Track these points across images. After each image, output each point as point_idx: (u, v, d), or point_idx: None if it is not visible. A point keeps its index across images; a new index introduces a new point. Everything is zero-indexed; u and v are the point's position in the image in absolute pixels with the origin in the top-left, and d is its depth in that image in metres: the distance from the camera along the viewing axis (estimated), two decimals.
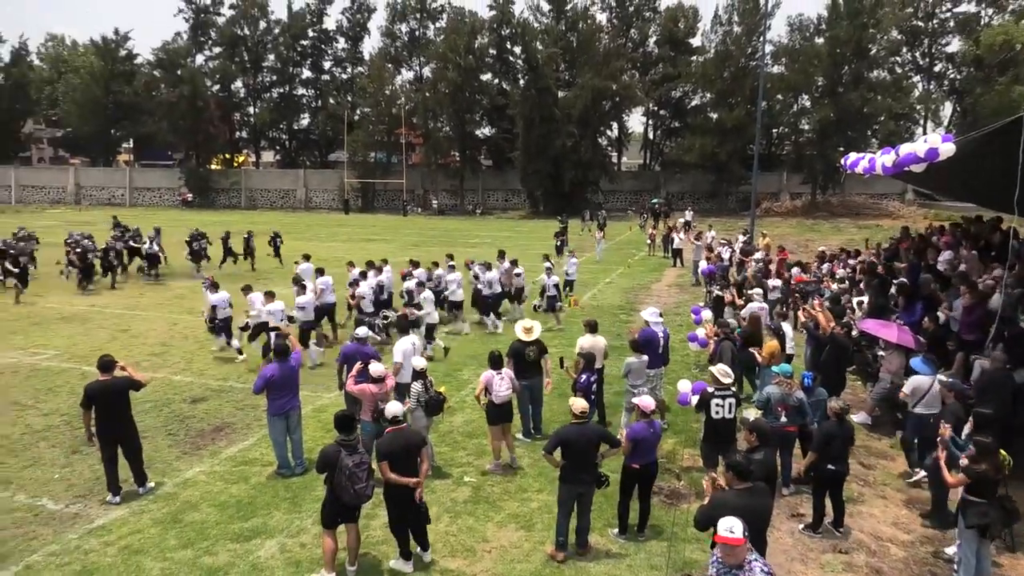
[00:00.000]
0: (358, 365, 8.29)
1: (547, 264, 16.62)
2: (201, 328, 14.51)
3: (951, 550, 6.67)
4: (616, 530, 7.04)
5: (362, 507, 6.43)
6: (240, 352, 13.09)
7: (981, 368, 8.89)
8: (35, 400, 10.85)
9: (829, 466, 7.01)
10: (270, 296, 12.74)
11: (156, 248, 22.39)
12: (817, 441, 7.14)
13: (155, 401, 10.77)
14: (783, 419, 7.74)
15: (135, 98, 60.01)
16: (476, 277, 15.85)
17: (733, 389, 7.65)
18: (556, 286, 16.13)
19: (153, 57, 59.10)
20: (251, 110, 64.95)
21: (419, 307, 12.78)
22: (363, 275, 14.64)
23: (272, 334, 11.70)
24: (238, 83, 63.23)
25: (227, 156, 63.31)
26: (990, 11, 48.37)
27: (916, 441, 8.48)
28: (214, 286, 13.50)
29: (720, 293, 14.23)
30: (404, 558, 6.45)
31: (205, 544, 6.83)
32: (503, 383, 8.35)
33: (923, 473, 8.16)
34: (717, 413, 7.40)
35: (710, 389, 7.57)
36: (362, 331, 9.33)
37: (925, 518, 7.51)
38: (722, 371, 7.61)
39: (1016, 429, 8.12)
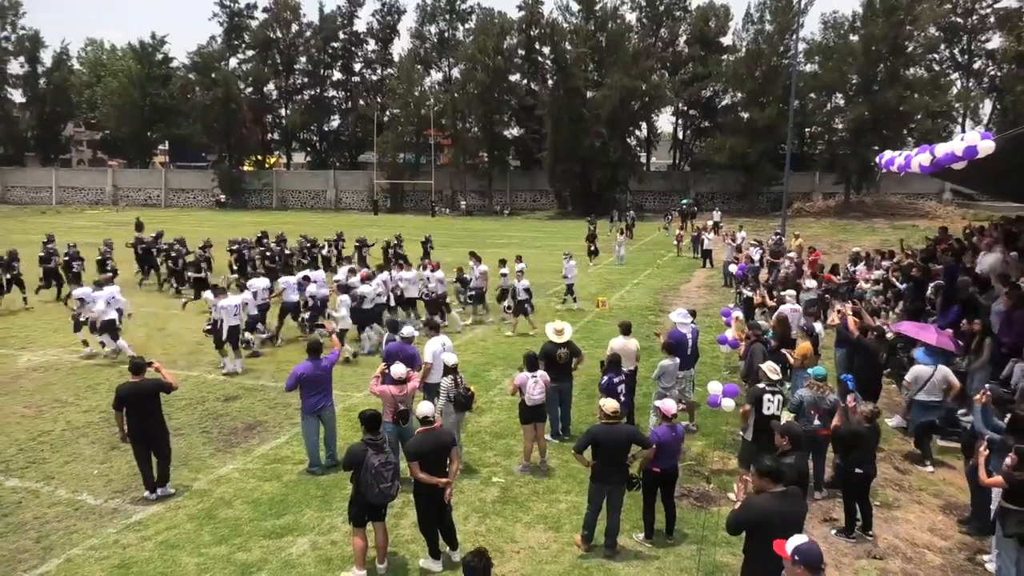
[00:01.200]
0: (381, 366, 8.37)
1: (520, 266, 16.05)
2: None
3: (988, 559, 6.52)
4: (642, 534, 7.00)
5: (390, 506, 6.50)
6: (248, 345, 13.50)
7: (1021, 371, 8.68)
8: (76, 397, 11.14)
9: (857, 469, 6.94)
10: (221, 293, 12.81)
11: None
12: (844, 442, 7.11)
13: (190, 399, 11.00)
14: (816, 422, 7.64)
15: (171, 101, 61.37)
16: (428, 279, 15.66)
17: (781, 386, 7.58)
18: (527, 290, 15.32)
19: (188, 60, 60.30)
20: (283, 112, 65.92)
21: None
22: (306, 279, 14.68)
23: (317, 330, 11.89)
24: (270, 85, 64.19)
25: (259, 157, 64.30)
26: None
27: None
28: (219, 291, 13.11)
29: (750, 294, 14.06)
30: (433, 557, 6.50)
31: (239, 540, 6.95)
32: (537, 386, 8.34)
33: (930, 468, 8.64)
34: (768, 409, 7.34)
35: (761, 385, 7.51)
36: (407, 330, 9.38)
37: (963, 524, 7.34)
38: (771, 368, 7.57)
39: None
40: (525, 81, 56.03)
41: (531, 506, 7.66)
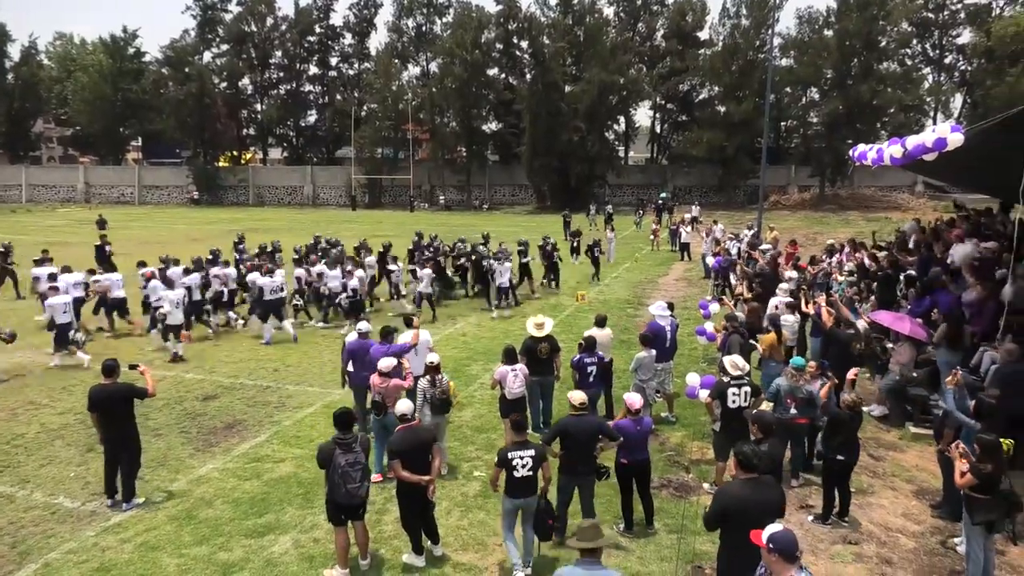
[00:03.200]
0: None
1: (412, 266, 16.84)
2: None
3: (958, 542, 6.70)
4: (622, 525, 7.08)
5: (371, 502, 6.51)
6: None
7: (991, 359, 8.89)
8: (50, 399, 10.97)
9: (839, 456, 7.08)
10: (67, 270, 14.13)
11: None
12: (826, 428, 7.27)
13: (167, 399, 10.88)
14: (793, 411, 7.80)
15: (143, 96, 60.44)
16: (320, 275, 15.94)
17: (748, 378, 7.70)
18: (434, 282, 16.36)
19: (161, 55, 59.57)
20: (258, 107, 65.22)
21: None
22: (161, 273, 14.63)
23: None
24: (245, 80, 63.49)
25: (234, 153, 63.62)
26: (1001, 2, 47.99)
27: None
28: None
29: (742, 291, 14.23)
30: (416, 553, 6.52)
31: (220, 540, 6.92)
32: (516, 379, 8.39)
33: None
34: (733, 402, 7.46)
35: (726, 379, 7.62)
36: (364, 325, 9.46)
37: (935, 508, 7.53)
38: (732, 362, 7.68)
39: None
40: (503, 75, 55.94)
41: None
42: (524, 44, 53.24)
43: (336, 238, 22.03)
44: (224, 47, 62.47)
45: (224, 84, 61.27)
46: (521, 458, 6.09)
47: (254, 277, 14.75)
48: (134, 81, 61.24)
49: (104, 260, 20.07)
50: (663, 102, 56.93)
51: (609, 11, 55.32)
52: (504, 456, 6.13)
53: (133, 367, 7.92)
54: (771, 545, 3.98)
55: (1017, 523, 6.30)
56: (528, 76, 51.71)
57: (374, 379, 7.99)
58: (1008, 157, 8.21)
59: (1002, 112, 7.95)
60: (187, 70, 56.61)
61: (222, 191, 58.68)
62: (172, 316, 13.03)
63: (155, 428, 9.68)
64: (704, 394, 8.58)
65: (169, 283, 13.83)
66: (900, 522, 7.32)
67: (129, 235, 33.38)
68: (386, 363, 7.99)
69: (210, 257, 17.62)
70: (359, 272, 15.58)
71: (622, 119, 54.98)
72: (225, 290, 15.47)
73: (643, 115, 75.77)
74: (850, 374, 7.61)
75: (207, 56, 61.99)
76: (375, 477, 8.00)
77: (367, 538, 6.51)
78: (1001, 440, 6.16)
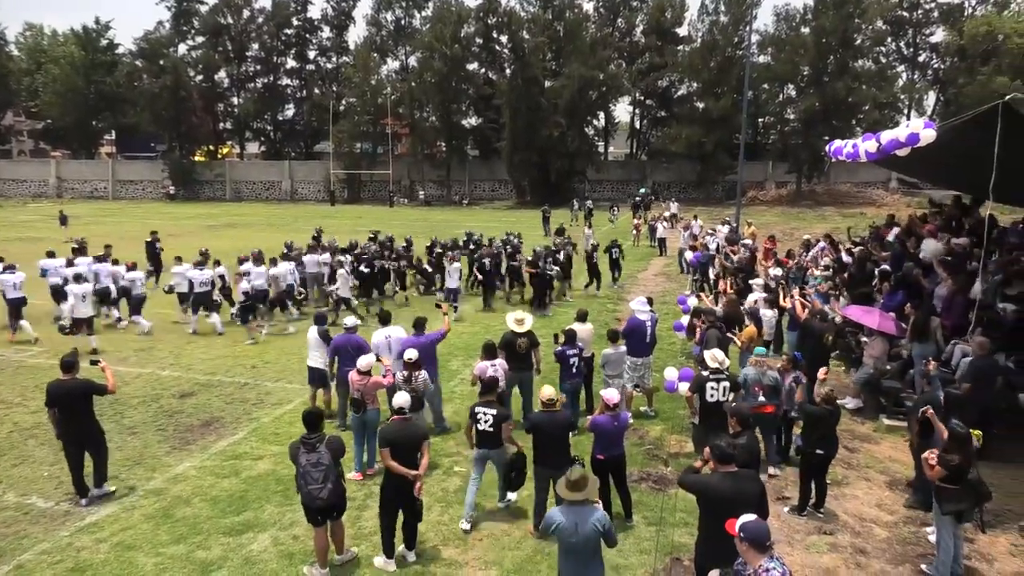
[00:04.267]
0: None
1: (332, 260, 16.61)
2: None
3: (930, 531, 6.85)
4: None
5: (350, 498, 6.49)
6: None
7: (962, 352, 9.08)
8: (22, 398, 10.77)
9: (817, 450, 7.19)
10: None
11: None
12: (804, 424, 7.37)
13: (143, 397, 10.75)
14: (760, 399, 8.01)
15: (117, 89, 59.23)
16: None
17: (727, 372, 7.79)
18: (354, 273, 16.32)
19: (135, 47, 58.38)
20: (235, 100, 64.26)
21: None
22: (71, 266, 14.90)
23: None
24: (221, 73, 62.54)
25: (211, 147, 62.68)
26: (973, 1, 48.81)
27: None
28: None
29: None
30: (387, 555, 6.41)
31: (198, 539, 6.85)
32: (495, 374, 8.40)
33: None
34: (712, 396, 7.54)
35: (705, 373, 7.70)
36: (350, 320, 9.40)
37: (907, 497, 7.67)
38: (712, 356, 7.77)
39: (997, 412, 8.35)
40: (483, 70, 55.76)
41: (493, 494, 7.72)
42: (504, 39, 53.11)
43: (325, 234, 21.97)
44: (200, 39, 61.43)
45: (200, 77, 60.29)
46: (484, 414, 6.97)
47: (183, 269, 15.06)
48: (107, 73, 60.00)
49: (153, 257, 19.67)
50: (642, 98, 57.13)
51: (589, 6, 55.48)
52: (472, 410, 7.11)
53: (95, 363, 7.83)
54: (742, 534, 4.07)
55: (985, 512, 6.47)
56: (508, 71, 51.62)
57: (353, 376, 7.99)
58: (979, 154, 8.36)
59: (974, 109, 8.10)
60: (162, 63, 55.58)
61: (198, 186, 57.86)
62: (77, 310, 13.02)
63: (130, 426, 9.56)
64: (684, 388, 8.68)
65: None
66: (874, 512, 7.47)
67: (103, 231, 32.82)
68: (365, 361, 8.03)
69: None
70: (259, 269, 15.19)
71: (602, 115, 55.06)
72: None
73: (623, 111, 76.23)
74: (820, 373, 7.75)
75: (182, 48, 60.98)
76: (355, 476, 7.98)
77: (343, 534, 6.48)
78: (972, 431, 6.32)
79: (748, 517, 4.18)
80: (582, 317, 10.03)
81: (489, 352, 8.57)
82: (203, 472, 8.29)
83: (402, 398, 6.61)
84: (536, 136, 47.27)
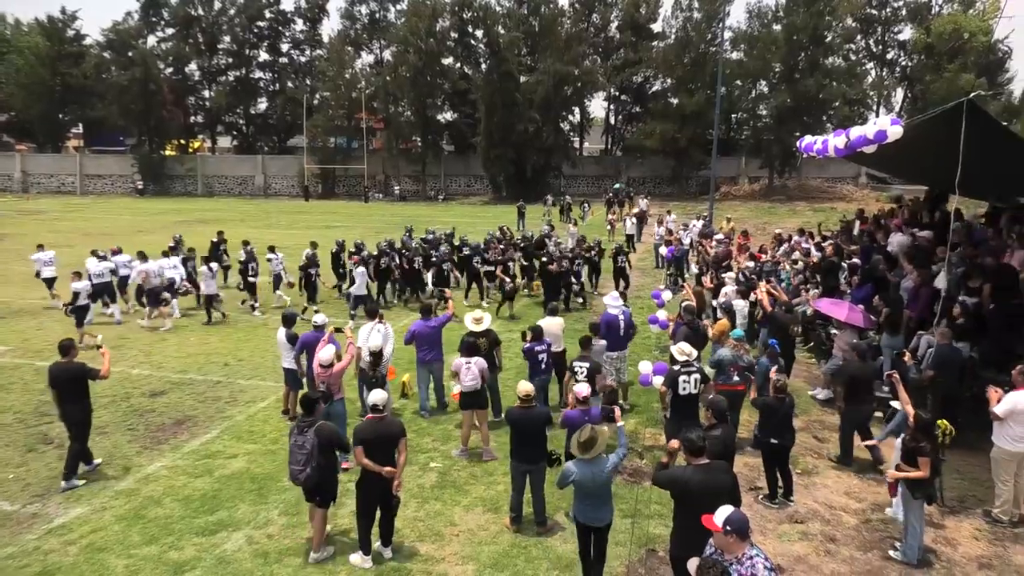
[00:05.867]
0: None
1: (271, 256, 16.73)
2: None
3: (890, 512, 7.09)
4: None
5: (333, 496, 6.55)
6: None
7: (927, 343, 9.31)
8: None
9: (772, 440, 7.35)
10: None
11: None
12: (760, 414, 7.64)
13: (113, 396, 10.56)
14: (735, 378, 8.34)
15: (84, 80, 57.70)
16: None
17: (698, 365, 7.90)
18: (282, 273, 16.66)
19: (103, 38, 56.99)
20: (206, 94, 63.06)
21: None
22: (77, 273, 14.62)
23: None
24: (192, 66, 61.29)
25: (182, 142, 61.49)
26: (940, 0, 49.71)
27: None
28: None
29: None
30: (364, 552, 6.40)
31: (170, 539, 6.77)
32: (470, 372, 8.40)
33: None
34: (684, 389, 7.63)
35: (676, 367, 7.79)
36: (319, 318, 9.37)
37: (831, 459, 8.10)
38: (679, 350, 7.88)
39: (962, 401, 8.58)
40: (458, 65, 55.46)
41: (469, 489, 7.75)
42: (479, 33, 52.85)
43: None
44: (170, 31, 60.16)
45: (170, 70, 59.02)
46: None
47: (88, 264, 15.19)
48: (74, 65, 58.43)
49: (216, 256, 18.60)
50: (617, 93, 57.31)
51: (564, 1, 55.35)
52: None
53: (98, 347, 8.18)
54: (728, 527, 4.18)
55: (943, 488, 6.77)
56: (483, 66, 51.40)
57: (316, 370, 8.07)
58: (945, 150, 8.55)
59: (940, 106, 8.29)
60: (131, 54, 54.27)
61: (169, 181, 56.79)
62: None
63: (100, 426, 9.37)
64: (659, 381, 8.77)
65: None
66: (843, 500, 7.63)
67: (71, 226, 32.15)
68: (325, 354, 8.10)
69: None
70: (145, 265, 15.24)
71: (577, 110, 55.13)
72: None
73: (598, 106, 76.33)
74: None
75: (152, 40, 59.62)
76: (343, 464, 7.93)
77: (323, 532, 6.45)
78: (939, 422, 6.52)
79: (729, 510, 4.28)
80: (552, 311, 10.14)
81: (467, 350, 8.63)
82: (175, 472, 8.19)
83: (378, 395, 6.57)
84: (512, 131, 47.20)
